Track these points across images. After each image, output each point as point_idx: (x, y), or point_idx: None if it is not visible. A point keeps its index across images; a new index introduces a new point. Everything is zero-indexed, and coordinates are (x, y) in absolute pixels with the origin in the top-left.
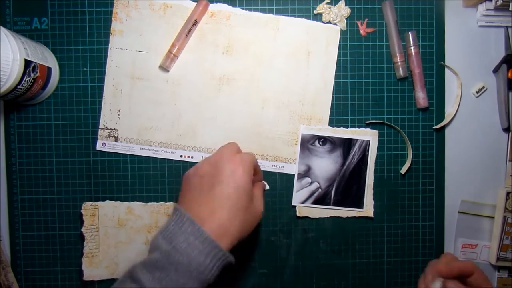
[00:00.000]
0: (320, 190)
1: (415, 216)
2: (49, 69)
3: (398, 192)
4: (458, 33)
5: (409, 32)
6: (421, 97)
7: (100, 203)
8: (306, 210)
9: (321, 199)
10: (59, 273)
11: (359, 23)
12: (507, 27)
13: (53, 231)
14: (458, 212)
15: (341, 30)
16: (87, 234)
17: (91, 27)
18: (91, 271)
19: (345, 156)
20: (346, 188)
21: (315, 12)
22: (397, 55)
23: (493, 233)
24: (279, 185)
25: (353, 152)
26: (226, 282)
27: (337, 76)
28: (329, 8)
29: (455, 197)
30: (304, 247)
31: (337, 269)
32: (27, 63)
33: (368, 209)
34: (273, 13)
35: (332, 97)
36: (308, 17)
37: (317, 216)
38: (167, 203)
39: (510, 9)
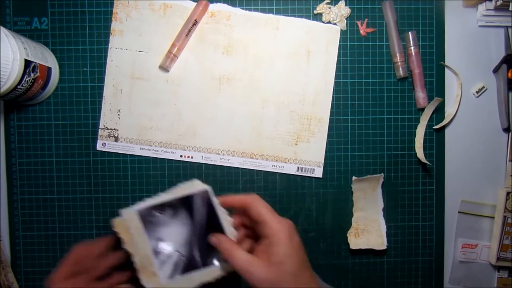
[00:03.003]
0: (183, 258)
1: (415, 216)
2: (49, 69)
3: (398, 192)
4: (458, 33)
5: (409, 32)
6: (421, 97)
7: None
8: None
9: (188, 266)
10: None
11: (359, 23)
12: (507, 27)
13: (53, 231)
14: (458, 212)
15: (341, 30)
16: (132, 248)
17: (91, 27)
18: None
19: (191, 213)
20: (208, 243)
21: (315, 12)
22: (397, 55)
23: (493, 233)
24: (279, 185)
25: (198, 206)
26: (226, 283)
27: (337, 76)
28: (329, 8)
29: (455, 197)
30: (304, 247)
31: (337, 269)
32: (27, 63)
33: None
34: (273, 13)
35: (332, 97)
36: (308, 17)
37: None
38: None
39: (510, 9)
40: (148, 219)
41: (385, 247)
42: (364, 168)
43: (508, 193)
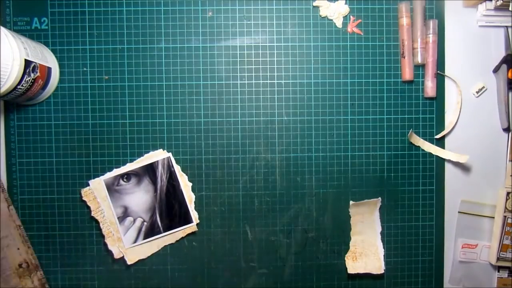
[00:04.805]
0: (145, 223)
1: (415, 216)
2: (49, 69)
3: (398, 192)
4: (458, 33)
5: (431, 20)
6: (429, 86)
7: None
8: (135, 254)
9: (150, 231)
10: (59, 273)
11: (352, 19)
12: (507, 27)
13: (53, 231)
14: (458, 212)
15: (340, 29)
16: (99, 216)
17: (91, 27)
18: (118, 248)
19: (154, 181)
20: (169, 210)
21: (314, 4)
22: (419, 40)
23: (493, 233)
24: (279, 185)
25: (160, 174)
26: (226, 282)
27: (337, 76)
28: (328, 3)
29: (455, 197)
30: (304, 247)
31: (337, 269)
32: (27, 63)
33: (196, 221)
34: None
35: (332, 97)
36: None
37: (149, 254)
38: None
39: (510, 9)
40: (114, 188)
41: (382, 271)
42: (364, 168)
43: (508, 193)
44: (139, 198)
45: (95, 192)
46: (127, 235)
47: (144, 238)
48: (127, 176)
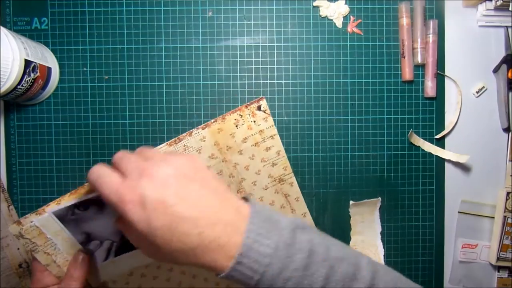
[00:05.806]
0: (115, 243)
1: (415, 216)
2: (49, 69)
3: (398, 192)
4: (458, 33)
5: (431, 20)
6: (429, 86)
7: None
8: (108, 273)
9: (122, 248)
10: None
11: (352, 19)
12: (507, 27)
13: None
14: (458, 212)
15: (340, 29)
16: (49, 250)
17: (91, 27)
18: None
19: None
20: None
21: (314, 4)
22: (419, 40)
23: (493, 233)
24: None
25: None
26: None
27: (337, 76)
28: (328, 3)
29: (455, 197)
30: None
31: None
32: (27, 63)
33: None
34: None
35: (332, 97)
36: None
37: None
38: None
39: (510, 9)
40: (68, 218)
41: None
42: (364, 168)
43: (508, 193)
44: (104, 222)
45: (43, 228)
46: (96, 257)
47: (116, 256)
48: (84, 205)
